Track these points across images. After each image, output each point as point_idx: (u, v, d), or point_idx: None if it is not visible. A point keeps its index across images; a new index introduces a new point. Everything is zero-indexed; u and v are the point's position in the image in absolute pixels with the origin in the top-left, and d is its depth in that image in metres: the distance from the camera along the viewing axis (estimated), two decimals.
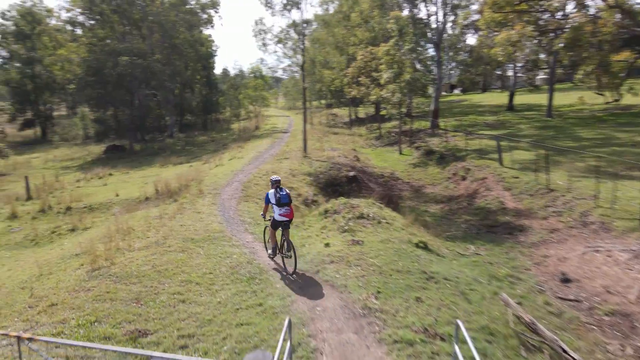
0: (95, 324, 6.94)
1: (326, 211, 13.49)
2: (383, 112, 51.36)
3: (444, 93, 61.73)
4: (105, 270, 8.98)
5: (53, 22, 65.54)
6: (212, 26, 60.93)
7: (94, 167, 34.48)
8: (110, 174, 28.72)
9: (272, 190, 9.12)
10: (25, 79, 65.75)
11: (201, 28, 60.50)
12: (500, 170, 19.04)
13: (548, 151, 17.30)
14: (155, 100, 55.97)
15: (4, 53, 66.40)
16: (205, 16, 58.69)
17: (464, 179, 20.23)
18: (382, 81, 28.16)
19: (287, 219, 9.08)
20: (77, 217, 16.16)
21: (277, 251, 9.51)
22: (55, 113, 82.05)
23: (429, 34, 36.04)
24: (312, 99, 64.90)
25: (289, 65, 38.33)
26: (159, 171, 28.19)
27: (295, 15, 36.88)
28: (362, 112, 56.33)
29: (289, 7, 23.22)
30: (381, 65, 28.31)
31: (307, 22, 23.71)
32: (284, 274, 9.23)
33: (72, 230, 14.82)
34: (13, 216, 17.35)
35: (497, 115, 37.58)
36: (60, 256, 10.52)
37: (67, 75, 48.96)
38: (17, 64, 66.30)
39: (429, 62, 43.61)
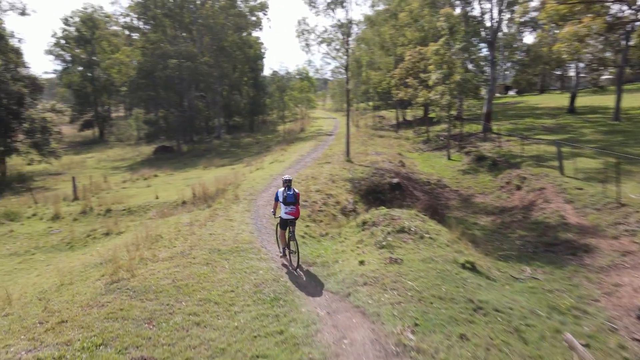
0: (101, 347, 6.37)
1: (364, 223, 12.52)
2: (432, 115, 49.54)
3: (497, 95, 58.77)
4: (124, 283, 8.50)
5: (113, 27, 68.76)
6: (260, 29, 61.16)
7: (141, 167, 35.25)
8: (155, 175, 29.11)
9: (282, 189, 9.69)
10: (86, 81, 69.24)
11: (249, 30, 61.03)
12: (560, 180, 17.23)
13: (618, 159, 15.40)
14: (204, 102, 57.07)
15: (67, 57, 70.23)
16: (254, 19, 59.14)
17: (518, 188, 18.52)
18: (430, 82, 26.72)
19: (293, 217, 9.61)
20: (113, 220, 16.12)
21: (286, 251, 9.91)
22: (114, 114, 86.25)
23: (483, 33, 34.06)
24: (359, 100, 63.86)
25: (336, 67, 37.30)
26: (201, 173, 28.23)
27: (340, 14, 36.21)
28: (410, 114, 54.67)
29: (333, 6, 22.41)
30: (430, 66, 26.87)
31: (352, 21, 22.74)
32: (290, 267, 9.68)
33: (107, 234, 14.73)
34: (56, 217, 17.65)
35: (557, 118, 34.94)
36: (85, 264, 10.22)
37: (124, 78, 50.90)
38: (79, 68, 70.06)
39: (481, 62, 41.49)
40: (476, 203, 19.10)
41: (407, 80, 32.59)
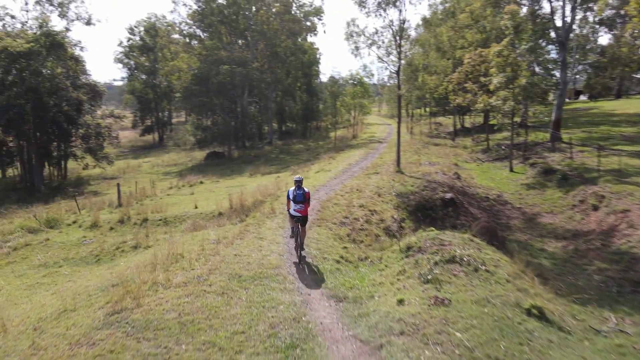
0: None
1: (408, 248, 10.89)
2: (493, 122, 46.34)
3: (567, 100, 54.18)
4: (126, 314, 7.51)
5: (174, 36, 71.04)
6: (315, 34, 60.53)
7: (190, 173, 35.39)
8: (201, 182, 28.87)
9: (293, 188, 10.47)
10: (147, 88, 72.02)
11: (304, 35, 60.60)
12: None
13: None
14: (257, 108, 57.23)
15: (132, 65, 73.41)
16: (308, 24, 58.63)
17: (595, 208, 15.99)
18: (491, 87, 24.37)
19: (300, 215, 10.31)
20: (146, 231, 15.54)
21: (293, 235, 11.04)
22: (175, 120, 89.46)
23: (552, 33, 31.00)
24: (414, 106, 61.51)
25: (391, 73, 35.67)
26: (246, 181, 27.62)
27: (393, 14, 34.45)
28: (468, 121, 51.69)
29: (384, 5, 20.85)
30: (491, 69, 24.53)
31: (406, 21, 21.09)
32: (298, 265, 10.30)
33: (135, 247, 14.10)
34: (94, 225, 17.44)
35: (638, 126, 31.10)
36: (95, 286, 9.42)
37: (184, 84, 52.10)
38: (142, 75, 73.05)
39: (550, 65, 38.12)
40: (543, 224, 16.75)
41: (465, 85, 30.24)
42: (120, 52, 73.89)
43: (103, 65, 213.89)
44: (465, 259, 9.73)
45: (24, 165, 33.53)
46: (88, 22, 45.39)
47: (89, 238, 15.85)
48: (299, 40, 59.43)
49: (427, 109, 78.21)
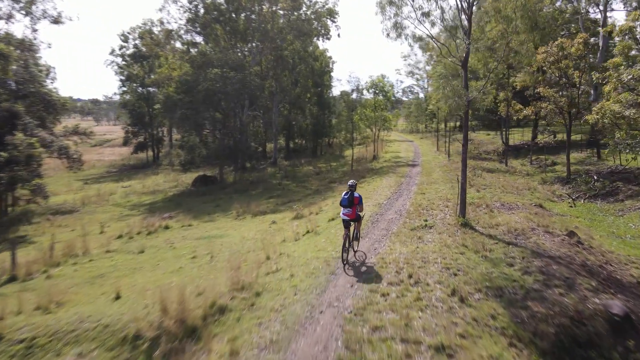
0: None
1: None
2: (540, 138, 37.33)
3: None
4: None
5: (177, 44, 63.31)
6: (328, 38, 52.37)
7: (163, 207, 27.04)
8: (167, 226, 20.37)
9: (345, 192, 10.63)
10: (141, 100, 64.38)
11: (314, 39, 52.53)
12: None
13: None
14: (261, 122, 49.06)
15: (122, 76, 65.65)
16: (319, 25, 50.55)
17: None
18: (606, 88, 15.65)
19: (348, 218, 10.46)
20: None
21: (344, 241, 10.52)
22: (178, 136, 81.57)
23: None
24: (446, 119, 52.87)
25: (451, 60, 26.97)
26: (228, 227, 19.09)
27: None
28: (513, 137, 42.93)
29: None
30: (615, 59, 15.85)
31: None
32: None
33: None
34: None
35: None
36: None
37: (168, 94, 44.05)
38: (135, 86, 65.30)
39: None
40: None
41: (538, 90, 21.58)
42: (112, 62, 66.56)
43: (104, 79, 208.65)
44: None
45: None
46: (56, 21, 37.84)
47: None
48: (309, 43, 51.35)
49: (457, 123, 69.55)
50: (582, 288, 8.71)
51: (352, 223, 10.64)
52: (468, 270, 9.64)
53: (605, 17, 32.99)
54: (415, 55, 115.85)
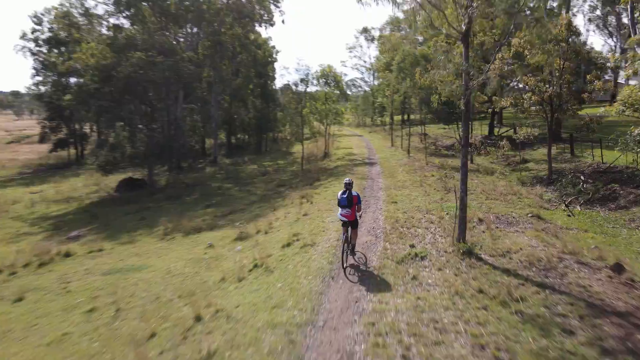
0: None
1: None
2: (497, 132, 35.58)
3: None
4: None
5: (104, 30, 55.70)
6: (271, 24, 48.01)
7: (72, 223, 21.91)
8: (67, 254, 15.55)
9: (340, 192, 9.70)
10: (59, 91, 56.35)
11: (257, 25, 48.00)
12: None
13: None
14: (200, 116, 43.99)
15: (37, 63, 57.22)
16: (261, 8, 46.06)
17: None
18: (627, 73, 12.90)
19: (347, 220, 9.55)
20: None
21: (343, 243, 9.63)
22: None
23: None
24: (396, 112, 50.32)
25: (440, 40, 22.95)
26: (151, 255, 14.68)
27: None
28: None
29: None
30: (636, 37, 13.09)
31: None
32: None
33: None
34: None
35: None
36: None
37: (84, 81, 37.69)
38: (50, 75, 57.12)
39: None
40: None
41: (517, 79, 18.87)
42: (24, 47, 57.82)
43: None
44: None
45: None
46: None
47: None
48: (251, 29, 46.79)
49: (406, 117, 67.50)
50: None
51: (350, 225, 9.75)
52: (510, 346, 6.20)
53: None
54: (361, 47, 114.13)
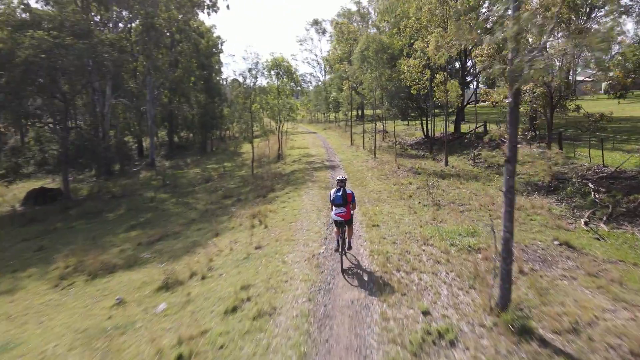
0: None
1: None
2: (464, 130, 32.89)
3: None
4: None
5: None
6: (215, 9, 43.01)
7: None
8: None
9: (334, 190, 9.01)
10: None
11: (198, 10, 42.79)
12: None
13: None
14: (134, 112, 38.33)
15: None
16: None
17: None
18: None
19: (342, 219, 8.89)
20: None
21: (338, 247, 9.11)
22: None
23: None
24: (353, 107, 46.83)
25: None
26: (24, 321, 9.94)
27: None
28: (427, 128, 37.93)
29: None
30: None
31: None
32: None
33: None
34: None
35: None
36: None
37: None
38: None
39: None
40: None
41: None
42: None
43: None
44: None
45: None
46: None
47: None
48: (191, 14, 41.60)
49: (359, 112, 64.31)
50: None
51: (345, 225, 8.95)
52: None
53: None
54: (312, 40, 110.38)
